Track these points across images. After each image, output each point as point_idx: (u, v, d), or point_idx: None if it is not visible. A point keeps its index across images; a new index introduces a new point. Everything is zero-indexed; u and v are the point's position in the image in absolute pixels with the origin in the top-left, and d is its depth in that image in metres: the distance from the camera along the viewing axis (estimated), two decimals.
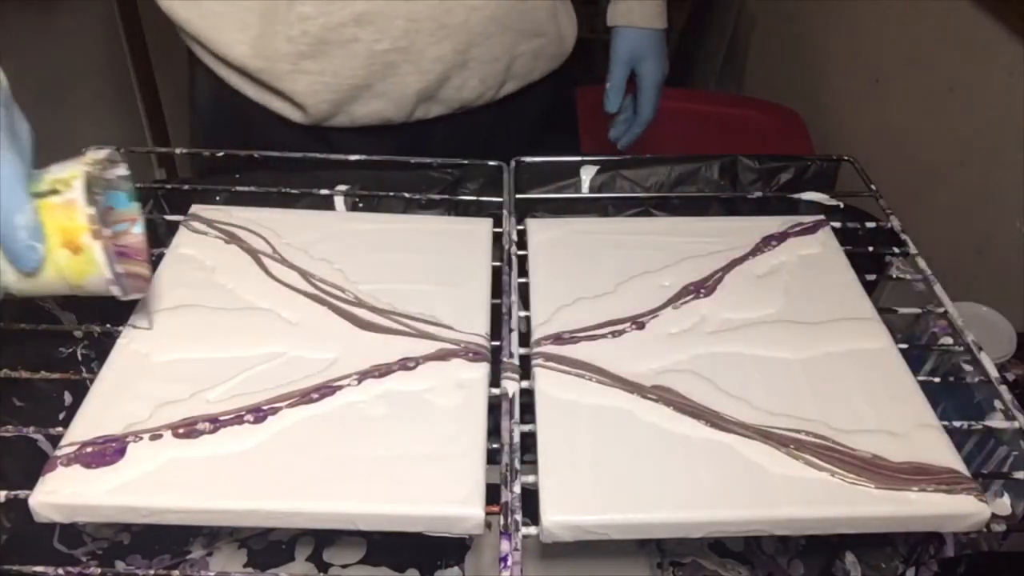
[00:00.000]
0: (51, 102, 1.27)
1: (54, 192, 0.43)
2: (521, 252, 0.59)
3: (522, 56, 0.75)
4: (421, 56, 0.69)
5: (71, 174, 0.43)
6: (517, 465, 0.44)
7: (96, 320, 0.54)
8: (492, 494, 0.42)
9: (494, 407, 0.47)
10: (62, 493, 0.41)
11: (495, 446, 0.45)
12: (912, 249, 0.60)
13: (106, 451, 0.43)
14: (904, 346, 0.52)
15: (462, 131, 0.76)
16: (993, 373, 0.51)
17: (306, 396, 0.47)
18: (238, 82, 0.72)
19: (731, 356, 0.51)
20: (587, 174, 0.69)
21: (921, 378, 0.50)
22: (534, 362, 0.50)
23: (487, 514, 0.42)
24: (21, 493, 0.42)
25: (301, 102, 0.69)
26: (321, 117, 0.71)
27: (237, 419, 0.45)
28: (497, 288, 0.55)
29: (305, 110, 0.70)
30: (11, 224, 0.41)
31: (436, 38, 0.69)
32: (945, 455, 0.45)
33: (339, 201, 0.66)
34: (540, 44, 0.77)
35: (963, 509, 0.42)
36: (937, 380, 0.52)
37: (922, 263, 0.59)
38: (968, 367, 0.54)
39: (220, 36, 0.69)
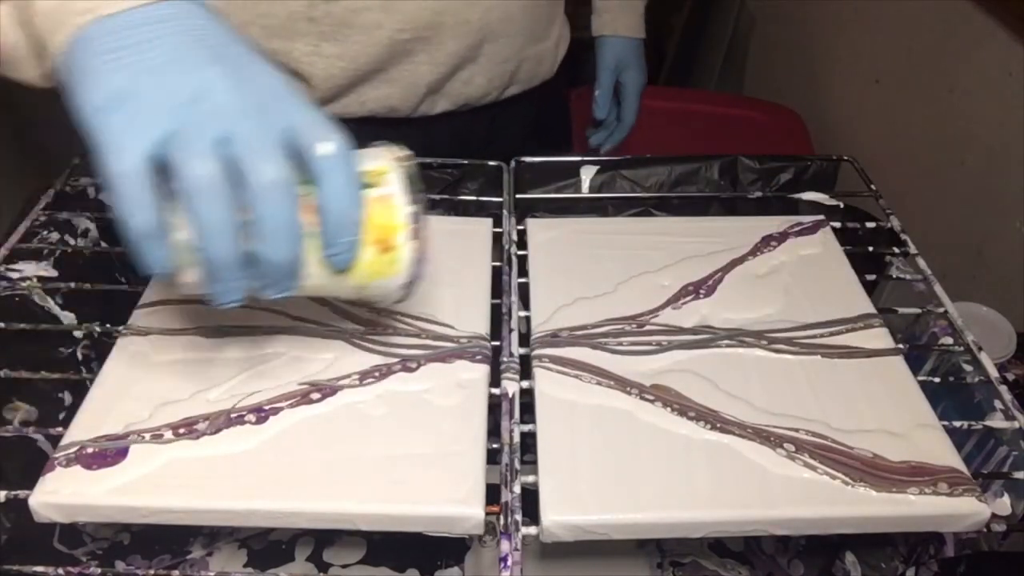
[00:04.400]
0: (51, 101, 1.27)
1: (369, 185, 0.39)
2: (521, 252, 0.59)
3: (527, 60, 0.76)
4: (439, 48, 0.69)
5: (382, 168, 0.40)
6: (517, 465, 0.44)
7: (96, 320, 0.54)
8: (492, 494, 0.43)
9: (494, 407, 0.47)
10: (62, 493, 0.41)
11: (495, 446, 0.45)
12: (912, 249, 0.60)
13: (106, 451, 0.43)
14: (904, 346, 0.52)
15: (462, 130, 0.77)
16: (993, 373, 0.51)
17: (306, 396, 0.47)
18: None
19: (731, 356, 0.51)
20: (587, 174, 0.69)
21: (921, 378, 0.50)
22: (534, 362, 0.50)
23: (487, 514, 0.42)
24: (21, 493, 0.42)
25: (315, 84, 0.69)
26: (329, 97, 0.70)
27: (238, 419, 0.45)
28: (497, 288, 0.55)
29: (315, 90, 0.69)
30: (351, 220, 0.38)
31: (456, 32, 0.69)
32: (945, 455, 0.45)
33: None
34: (544, 48, 0.78)
35: (963, 509, 0.42)
36: (937, 380, 0.52)
37: (922, 263, 0.59)
38: (968, 367, 0.54)
39: (231, 18, 0.68)
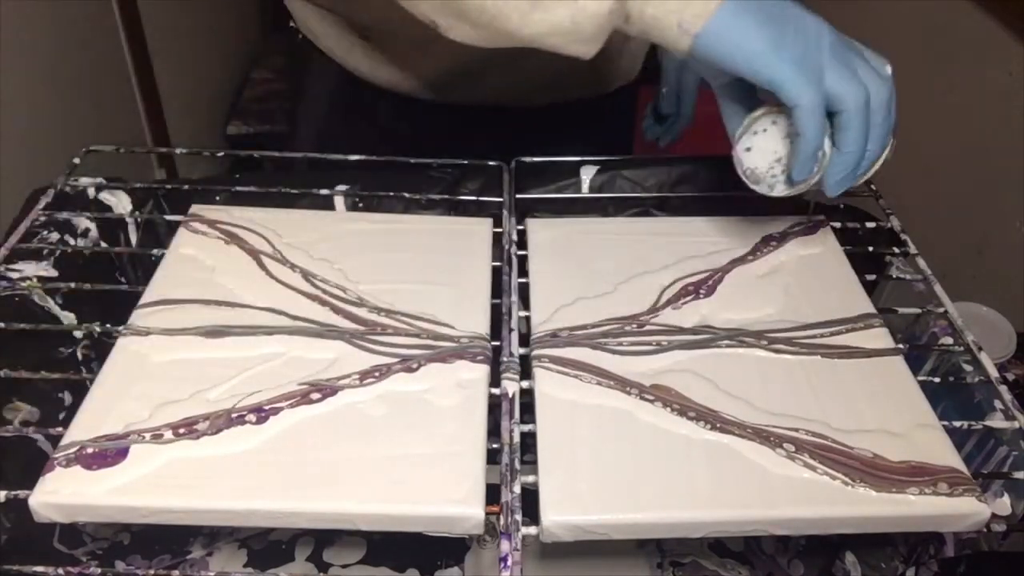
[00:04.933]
0: (51, 101, 1.27)
1: None
2: (521, 252, 0.59)
3: (625, 57, 0.80)
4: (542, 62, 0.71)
5: None
6: (517, 465, 0.44)
7: (96, 320, 0.54)
8: (492, 494, 0.42)
9: (494, 407, 0.47)
10: (62, 493, 0.41)
11: (495, 446, 0.45)
12: (912, 249, 0.60)
13: (106, 451, 0.43)
14: (904, 346, 0.52)
15: (558, 124, 0.79)
16: (993, 373, 0.51)
17: (306, 396, 0.47)
18: (350, 44, 0.73)
19: (731, 356, 0.51)
20: (587, 174, 0.69)
21: (921, 378, 0.50)
22: (534, 362, 0.50)
23: (487, 514, 0.42)
24: (21, 493, 0.42)
25: (444, 63, 0.71)
26: (442, 90, 0.72)
27: (238, 419, 0.45)
28: (497, 288, 0.55)
29: (431, 89, 0.72)
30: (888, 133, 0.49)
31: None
32: (945, 455, 0.45)
33: (339, 201, 0.66)
34: (637, 44, 0.81)
35: (963, 509, 0.42)
36: (937, 380, 0.52)
37: (922, 263, 0.59)
38: (968, 367, 0.54)
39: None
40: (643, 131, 0.98)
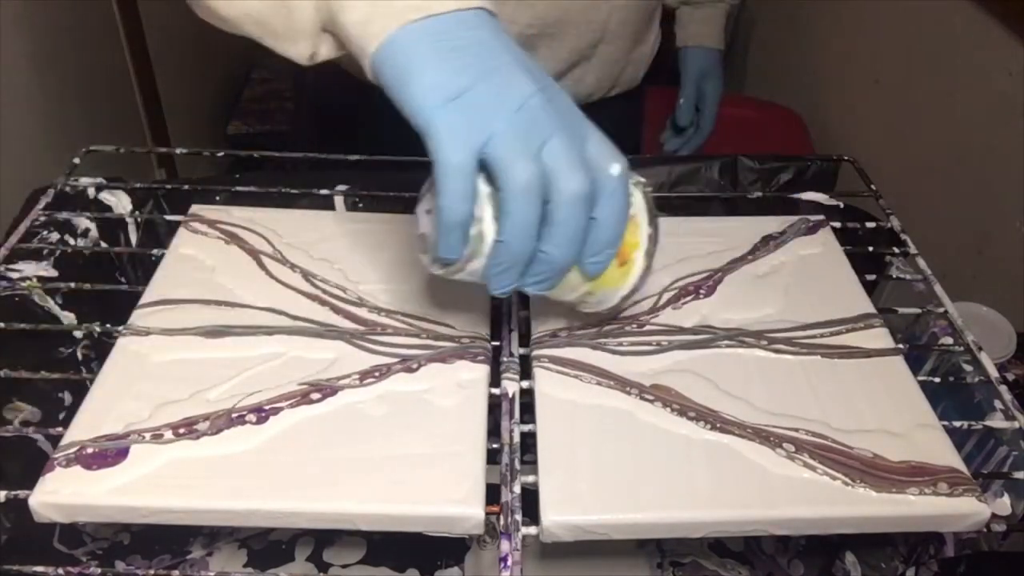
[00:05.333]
0: (51, 101, 1.27)
1: None
2: None
3: (632, 63, 0.79)
4: (562, 44, 0.71)
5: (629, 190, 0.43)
6: (517, 465, 0.44)
7: (96, 320, 0.54)
8: (492, 494, 0.42)
9: (494, 407, 0.47)
10: (62, 493, 0.41)
11: (495, 446, 0.45)
12: (912, 249, 0.60)
13: (106, 451, 0.43)
14: (904, 346, 0.52)
15: None
16: (993, 373, 0.51)
17: (306, 396, 0.47)
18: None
19: (731, 356, 0.51)
20: None
21: (921, 378, 0.50)
22: (534, 362, 0.50)
23: (487, 514, 0.42)
24: (21, 493, 0.42)
25: None
26: None
27: (239, 419, 0.45)
28: None
29: None
30: (616, 236, 0.41)
31: (579, 31, 0.71)
32: (945, 455, 0.45)
33: (339, 201, 0.66)
34: (644, 52, 0.81)
35: (963, 509, 0.42)
36: (937, 380, 0.52)
37: (922, 263, 0.59)
38: (968, 367, 0.54)
39: None
40: (662, 143, 1.00)
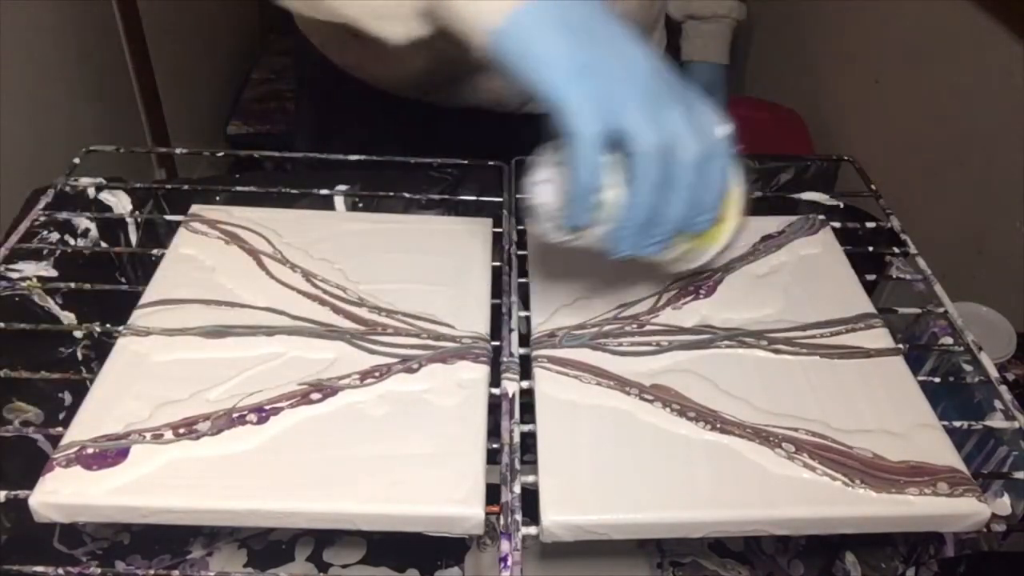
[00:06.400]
0: (51, 101, 1.27)
1: None
2: (521, 252, 0.59)
3: None
4: None
5: None
6: (517, 465, 0.44)
7: (96, 320, 0.54)
8: (492, 494, 0.43)
9: (494, 407, 0.47)
10: (62, 493, 0.41)
11: (495, 446, 0.45)
12: (912, 249, 0.60)
13: (106, 451, 0.43)
14: (904, 346, 0.52)
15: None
16: (993, 373, 0.51)
17: (307, 396, 0.47)
18: (343, 41, 0.73)
19: (731, 356, 0.51)
20: None
21: (921, 378, 0.50)
22: (534, 362, 0.50)
23: (487, 514, 0.42)
24: (21, 493, 0.42)
25: (437, 66, 0.69)
26: (446, 81, 0.71)
27: (239, 419, 0.45)
28: (497, 288, 0.55)
29: (436, 74, 0.70)
30: (723, 193, 0.43)
31: None
32: (945, 455, 0.45)
33: (339, 201, 0.66)
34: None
35: (963, 509, 0.42)
36: (937, 380, 0.52)
37: (922, 263, 0.59)
38: (968, 367, 0.54)
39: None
40: None
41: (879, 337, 0.52)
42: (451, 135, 0.69)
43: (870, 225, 0.63)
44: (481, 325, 0.52)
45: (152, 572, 0.55)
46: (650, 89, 0.40)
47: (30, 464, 0.45)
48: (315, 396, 0.47)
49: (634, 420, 0.46)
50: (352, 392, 0.47)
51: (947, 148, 1.08)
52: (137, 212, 0.64)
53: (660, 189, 0.41)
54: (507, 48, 0.41)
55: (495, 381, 0.49)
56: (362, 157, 0.66)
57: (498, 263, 0.58)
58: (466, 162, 0.67)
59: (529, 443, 0.45)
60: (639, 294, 0.55)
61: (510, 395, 0.48)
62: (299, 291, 0.54)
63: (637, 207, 0.41)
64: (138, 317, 0.52)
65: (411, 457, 0.44)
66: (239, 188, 0.64)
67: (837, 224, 0.62)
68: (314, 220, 0.61)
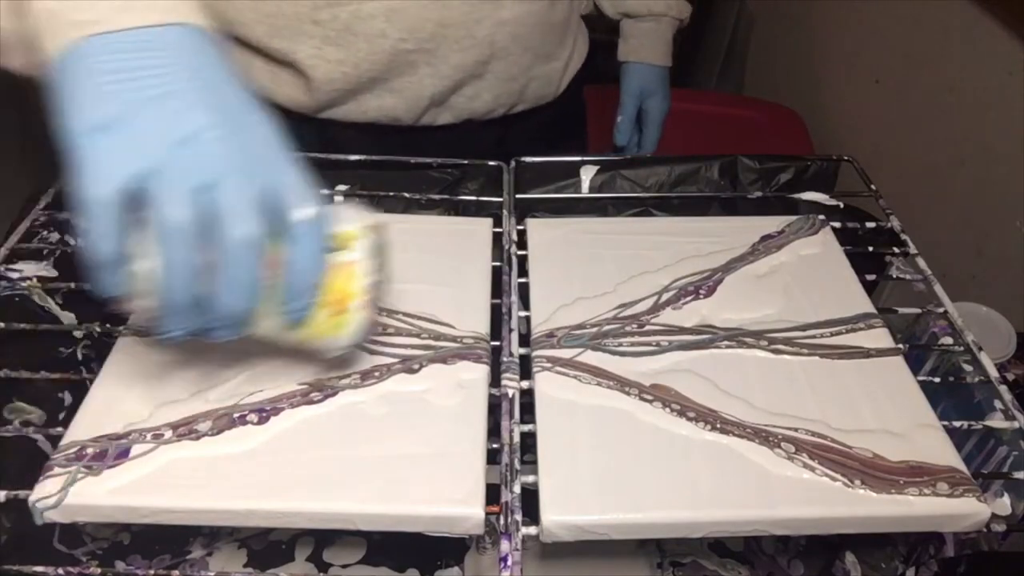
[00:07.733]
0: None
1: (336, 248, 0.41)
2: (521, 252, 0.59)
3: (536, 80, 0.76)
4: (443, 61, 0.69)
5: (351, 232, 0.42)
6: (517, 465, 0.44)
7: (96, 320, 0.54)
8: (492, 494, 0.43)
9: (494, 407, 0.47)
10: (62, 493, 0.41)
11: (495, 446, 0.45)
12: (912, 249, 0.60)
13: (106, 451, 0.43)
14: (904, 346, 0.52)
15: (467, 140, 0.76)
16: (993, 373, 0.51)
17: (307, 396, 0.47)
18: (247, 61, 0.70)
19: (731, 356, 0.51)
20: (587, 174, 0.69)
21: (921, 378, 0.50)
22: (534, 362, 0.50)
23: (487, 514, 0.42)
24: (21, 493, 0.42)
25: (315, 87, 0.68)
26: (329, 103, 0.70)
27: (240, 419, 0.45)
28: (497, 288, 0.55)
29: (316, 92, 0.69)
30: (313, 284, 0.40)
31: (461, 46, 0.69)
32: (945, 455, 0.45)
33: (339, 201, 0.66)
34: (553, 69, 0.78)
35: (963, 509, 0.42)
36: (937, 380, 0.52)
37: (922, 263, 0.59)
38: (968, 367, 0.54)
39: (237, 15, 0.66)
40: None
41: (879, 337, 0.52)
42: (354, 151, 0.67)
43: (870, 225, 0.63)
44: (481, 325, 0.52)
45: (152, 572, 0.54)
46: (196, 154, 0.35)
47: (30, 464, 0.45)
48: (315, 396, 0.47)
49: (634, 420, 0.46)
50: (352, 392, 0.47)
51: (947, 148, 1.08)
52: None
53: (191, 270, 0.36)
54: (58, 86, 0.36)
55: (495, 381, 0.49)
56: (362, 157, 0.66)
57: (498, 263, 0.58)
58: (466, 162, 0.67)
59: (529, 443, 0.45)
60: (639, 294, 0.55)
61: (510, 395, 0.48)
62: None
63: (170, 285, 0.36)
64: (138, 317, 0.51)
65: (411, 457, 0.44)
66: None
67: (837, 224, 0.62)
68: None
